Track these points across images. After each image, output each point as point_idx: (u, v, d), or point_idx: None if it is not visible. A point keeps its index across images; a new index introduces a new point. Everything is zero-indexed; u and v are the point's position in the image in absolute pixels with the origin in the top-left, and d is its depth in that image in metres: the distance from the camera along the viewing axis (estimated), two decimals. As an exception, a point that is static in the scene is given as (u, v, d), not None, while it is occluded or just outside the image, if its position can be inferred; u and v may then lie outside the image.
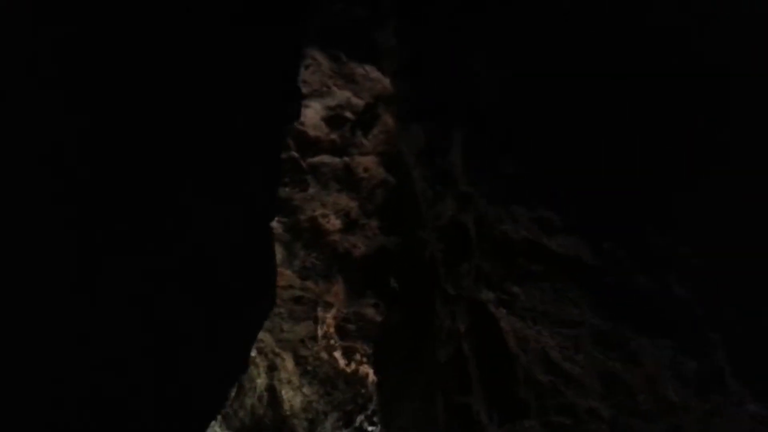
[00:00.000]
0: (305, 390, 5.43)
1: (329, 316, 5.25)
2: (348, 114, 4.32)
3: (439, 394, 3.63)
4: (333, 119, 4.34)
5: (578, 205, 2.61)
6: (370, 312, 4.99)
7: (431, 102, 3.21)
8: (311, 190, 4.43)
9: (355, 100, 4.26)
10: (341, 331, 5.26)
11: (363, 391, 5.47)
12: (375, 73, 4.14)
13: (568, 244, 2.63)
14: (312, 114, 4.32)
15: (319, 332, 5.32)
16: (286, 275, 5.10)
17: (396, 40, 3.52)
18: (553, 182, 2.66)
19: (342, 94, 4.25)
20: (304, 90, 4.28)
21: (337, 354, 5.34)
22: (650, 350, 2.37)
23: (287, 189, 4.40)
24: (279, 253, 4.95)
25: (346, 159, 4.36)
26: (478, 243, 3.13)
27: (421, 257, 4.69)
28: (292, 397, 5.45)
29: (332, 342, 5.32)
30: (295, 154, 4.38)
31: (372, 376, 5.32)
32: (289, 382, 5.46)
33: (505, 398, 2.95)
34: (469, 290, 3.14)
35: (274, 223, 4.55)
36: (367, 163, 4.40)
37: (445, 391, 3.54)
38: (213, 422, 4.89)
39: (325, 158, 4.36)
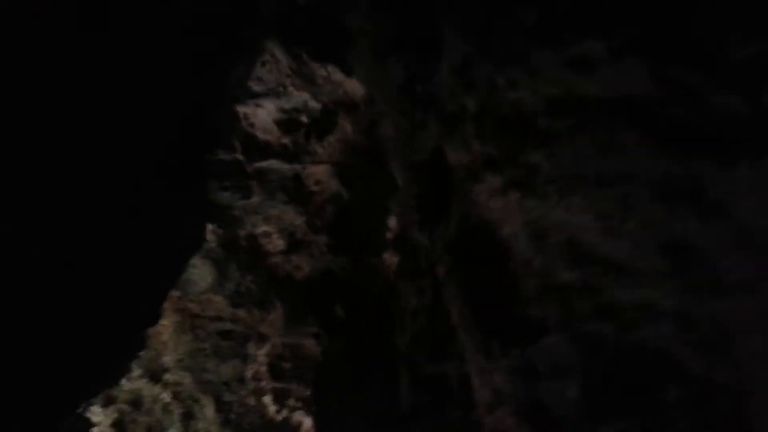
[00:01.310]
0: (225, 444, 4.69)
1: (261, 353, 4.64)
2: (303, 118, 4.04)
3: (405, 374, 3.04)
4: (287, 123, 4.04)
5: (633, 24, 2.15)
6: (309, 344, 4.46)
7: (414, 27, 2.89)
8: (254, 199, 4.01)
9: (313, 104, 4.00)
10: (274, 370, 4.65)
11: (293, 445, 4.79)
12: (337, 75, 3.93)
13: (618, 80, 2.17)
14: (264, 115, 4.00)
15: (248, 373, 4.67)
16: (214, 303, 4.52)
17: (369, 22, 3.32)
18: (592, 9, 2.19)
19: (299, 96, 3.99)
20: (258, 89, 3.99)
21: (267, 399, 4.68)
22: (742, 185, 1.88)
23: (227, 194, 3.96)
24: (209, 274, 4.40)
25: (297, 167, 4.03)
26: (477, 128, 2.61)
27: (371, 285, 4.31)
28: (208, 453, 4.68)
29: (262, 384, 4.67)
30: (240, 156, 4.00)
31: (306, 425, 4.69)
32: (207, 433, 4.71)
33: (510, 323, 2.37)
34: (459, 205, 2.60)
35: (208, 234, 4.07)
36: (319, 173, 4.07)
37: (412, 368, 2.96)
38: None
39: (274, 164, 4.00)
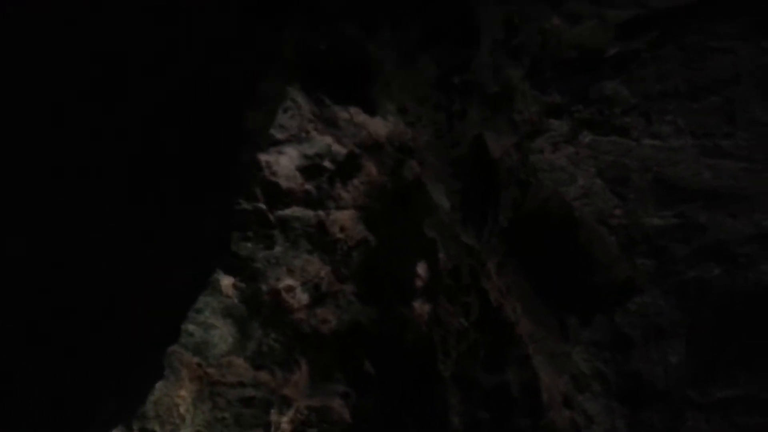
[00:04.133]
0: None
1: (285, 420, 4.27)
2: (327, 163, 3.94)
3: (454, 398, 2.64)
4: (309, 168, 3.93)
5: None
6: (337, 405, 4.11)
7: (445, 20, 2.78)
8: (277, 249, 3.83)
9: (337, 148, 3.92)
10: (299, 438, 4.27)
11: None
12: (360, 116, 3.88)
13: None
14: (286, 162, 3.91)
15: (271, 443, 4.28)
16: (236, 366, 4.20)
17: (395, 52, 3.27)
18: None
19: (322, 141, 3.92)
20: (280, 136, 3.92)
21: (291, 473, 4.26)
22: None
23: (249, 245, 3.79)
24: (230, 334, 4.13)
25: (321, 213, 3.88)
26: (531, 85, 2.37)
27: (402, 336, 4.05)
28: None
29: (286, 455, 4.27)
30: (262, 205, 3.86)
31: (333, 503, 4.22)
32: None
33: (589, 292, 1.95)
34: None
35: (228, 288, 3.86)
36: (344, 219, 3.93)
37: (465, 387, 2.55)
38: None
39: (297, 211, 3.86)
